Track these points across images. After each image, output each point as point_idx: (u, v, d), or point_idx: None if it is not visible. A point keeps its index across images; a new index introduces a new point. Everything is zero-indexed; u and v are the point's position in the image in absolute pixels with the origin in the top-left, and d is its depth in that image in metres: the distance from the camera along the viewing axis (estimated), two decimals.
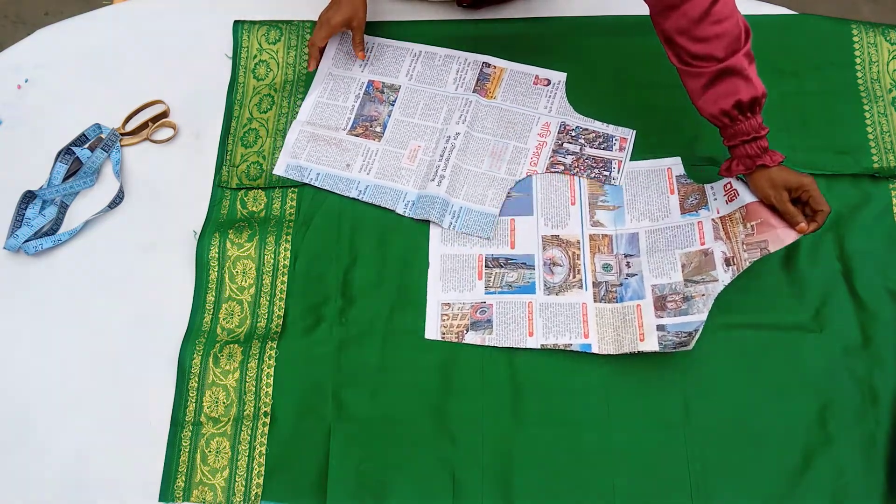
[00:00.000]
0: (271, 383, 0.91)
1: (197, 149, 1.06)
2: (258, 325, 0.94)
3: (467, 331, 0.92)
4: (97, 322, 0.95)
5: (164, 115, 1.07)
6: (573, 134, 1.02)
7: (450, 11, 1.12)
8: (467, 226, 0.97)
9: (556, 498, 0.85)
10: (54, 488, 0.88)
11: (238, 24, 1.12)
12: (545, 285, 0.93)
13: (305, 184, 1.01)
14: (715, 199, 0.94)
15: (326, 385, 0.91)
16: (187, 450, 0.89)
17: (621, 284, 0.93)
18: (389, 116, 1.05)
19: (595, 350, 0.90)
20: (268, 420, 0.89)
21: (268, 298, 0.96)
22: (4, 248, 0.98)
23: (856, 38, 1.06)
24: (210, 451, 0.88)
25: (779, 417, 0.87)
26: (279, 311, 0.95)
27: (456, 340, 0.91)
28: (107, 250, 1.00)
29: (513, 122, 1.04)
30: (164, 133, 1.07)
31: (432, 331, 0.92)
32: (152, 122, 1.07)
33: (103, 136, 1.05)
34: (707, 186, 0.95)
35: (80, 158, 1.04)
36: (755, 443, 0.86)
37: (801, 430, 0.87)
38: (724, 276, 0.88)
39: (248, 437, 0.89)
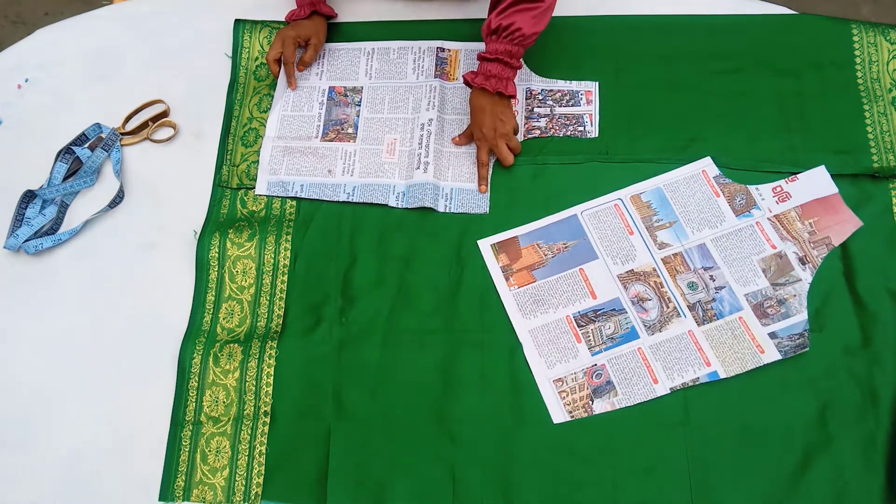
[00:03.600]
0: (271, 383, 0.91)
1: (197, 149, 1.06)
2: (258, 324, 0.94)
3: (592, 401, 0.89)
4: (97, 322, 0.95)
5: (164, 114, 1.07)
6: (540, 97, 1.04)
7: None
8: (462, 205, 0.98)
9: (556, 498, 0.85)
10: (54, 488, 0.88)
11: (238, 24, 1.12)
12: (645, 325, 0.91)
13: (292, 197, 1.01)
14: (763, 199, 0.95)
15: (326, 385, 0.91)
16: (187, 449, 0.89)
17: (714, 300, 0.91)
18: (359, 117, 1.05)
19: (723, 376, 0.88)
20: (268, 420, 0.89)
21: (268, 298, 0.96)
22: (4, 247, 0.98)
23: (856, 38, 1.06)
24: (210, 451, 0.88)
25: (779, 417, 0.87)
26: (279, 310, 0.95)
27: (587, 414, 0.88)
28: (107, 250, 1.00)
29: None
30: (164, 133, 1.07)
31: (557, 413, 0.88)
32: (152, 122, 1.07)
33: (103, 135, 1.05)
34: (751, 188, 0.96)
35: (80, 158, 1.04)
36: (755, 443, 0.86)
37: (801, 430, 0.87)
38: (805, 275, 0.90)
39: (248, 437, 0.89)
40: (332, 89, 1.07)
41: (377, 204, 0.99)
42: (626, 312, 0.92)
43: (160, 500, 0.87)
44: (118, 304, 0.96)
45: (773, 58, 1.05)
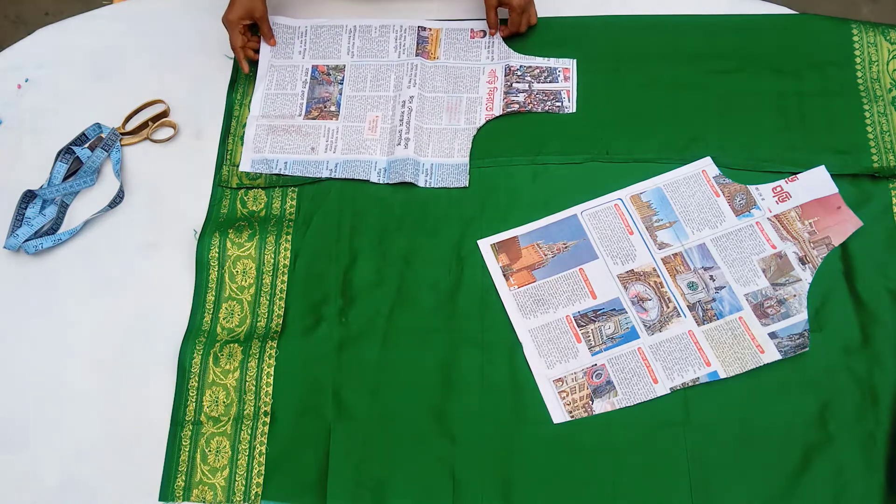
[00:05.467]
0: (271, 383, 0.91)
1: (197, 149, 1.06)
2: (258, 324, 0.94)
3: (592, 401, 0.89)
4: (97, 321, 0.95)
5: (164, 114, 1.07)
6: (519, 73, 1.05)
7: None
8: (442, 179, 1.00)
9: (556, 498, 0.85)
10: (54, 488, 0.88)
11: None
12: (644, 325, 0.91)
13: (276, 174, 1.02)
14: (763, 199, 0.95)
15: (326, 384, 0.91)
16: (187, 449, 0.89)
17: (714, 300, 0.91)
18: (341, 94, 1.06)
19: (723, 376, 0.88)
20: (268, 419, 0.89)
21: (268, 298, 0.96)
22: (4, 247, 0.98)
23: (856, 38, 1.06)
24: (210, 451, 0.88)
25: (779, 417, 0.87)
26: (279, 310, 0.95)
27: (587, 414, 0.88)
28: (107, 250, 1.00)
29: (460, 77, 1.06)
30: (164, 133, 1.07)
31: (558, 413, 0.88)
32: (152, 122, 1.07)
33: (103, 135, 1.05)
34: (751, 188, 0.96)
35: (80, 158, 1.04)
36: (755, 443, 0.86)
37: (801, 429, 0.87)
38: (805, 275, 0.91)
39: (248, 437, 0.89)
40: (315, 68, 1.08)
41: (359, 180, 1.01)
42: (626, 312, 0.92)
43: (160, 500, 0.87)
44: (118, 303, 0.96)
45: (773, 58, 1.05)
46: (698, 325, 0.91)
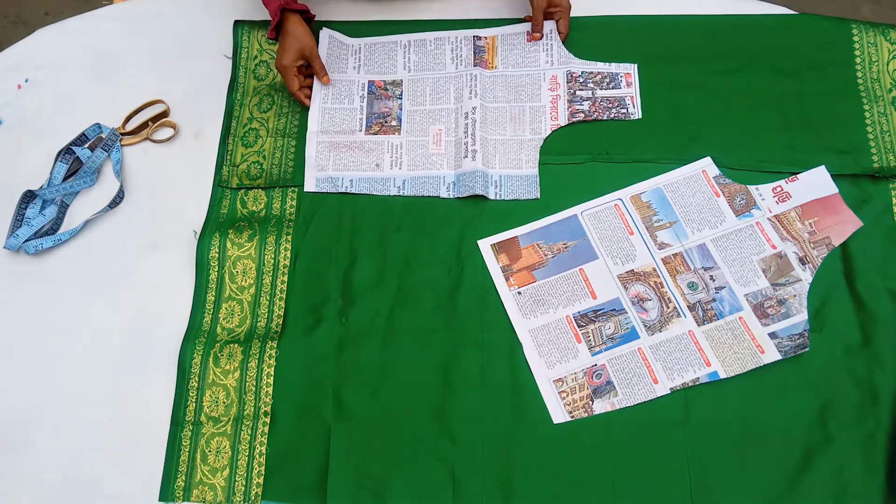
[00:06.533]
0: (271, 383, 0.91)
1: (197, 149, 1.06)
2: (258, 324, 0.94)
3: (592, 401, 0.89)
4: (97, 322, 0.95)
5: (164, 114, 1.07)
6: (581, 80, 1.03)
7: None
8: (512, 191, 0.98)
9: (556, 498, 0.85)
10: (54, 488, 0.88)
11: (238, 25, 1.12)
12: (645, 325, 0.91)
13: (342, 192, 1.00)
14: (763, 200, 0.95)
15: (326, 384, 0.91)
16: (187, 449, 0.89)
17: (714, 300, 0.92)
18: (401, 109, 1.04)
19: (723, 376, 0.88)
20: (268, 420, 0.89)
21: (268, 298, 0.96)
22: (4, 247, 0.98)
23: (856, 38, 1.06)
24: (210, 451, 0.88)
25: (779, 417, 0.87)
26: (279, 310, 0.95)
27: (587, 414, 0.88)
28: (107, 250, 1.00)
29: (521, 86, 1.04)
30: (164, 133, 1.07)
31: (558, 413, 0.88)
32: (152, 122, 1.07)
33: (103, 135, 1.05)
34: (751, 188, 0.96)
35: (80, 158, 1.04)
36: (755, 443, 0.86)
37: (801, 429, 0.87)
38: (805, 275, 0.91)
39: (249, 437, 0.89)
40: (371, 83, 1.06)
41: (429, 196, 0.99)
42: (626, 312, 0.92)
43: (160, 500, 0.87)
44: (118, 304, 0.96)
45: (773, 58, 1.05)
46: (698, 325, 0.91)
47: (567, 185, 0.99)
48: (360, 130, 1.03)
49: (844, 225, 0.94)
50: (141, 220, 1.01)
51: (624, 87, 1.02)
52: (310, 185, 1.01)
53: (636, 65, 1.04)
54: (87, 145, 1.05)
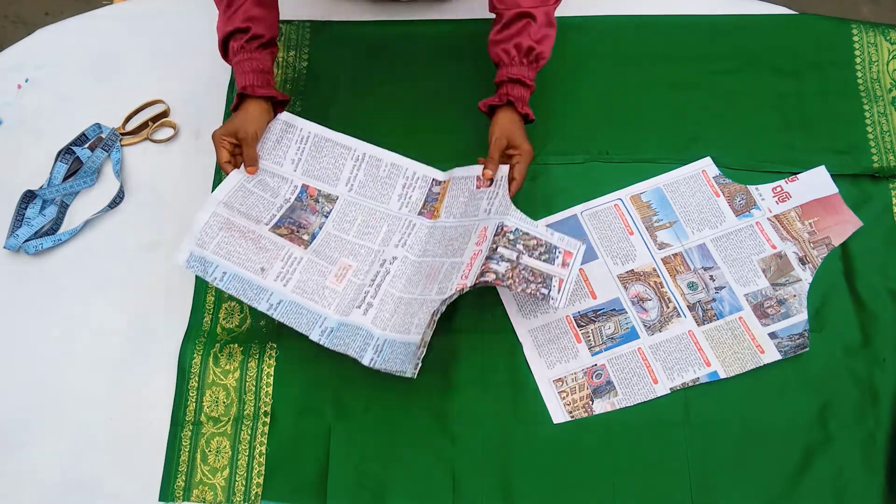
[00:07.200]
0: (271, 383, 0.91)
1: (197, 149, 1.05)
2: (258, 324, 0.94)
3: (592, 401, 0.88)
4: (97, 321, 0.95)
5: (164, 114, 1.07)
6: (511, 237, 0.84)
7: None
8: (388, 360, 0.83)
9: (556, 498, 0.85)
10: (54, 488, 0.88)
11: None
12: (645, 325, 0.91)
13: (206, 281, 0.86)
14: (763, 200, 0.95)
15: (326, 385, 0.91)
16: (187, 449, 0.89)
17: (714, 300, 0.91)
18: (321, 228, 0.93)
19: (723, 376, 0.88)
20: (268, 420, 0.89)
21: None
22: (4, 247, 0.98)
23: (856, 38, 1.06)
24: (210, 451, 0.88)
25: (779, 417, 0.87)
26: None
27: (587, 414, 0.88)
28: (107, 250, 1.00)
29: (453, 238, 0.90)
30: (164, 133, 1.07)
31: (557, 413, 0.88)
32: (152, 122, 1.07)
33: (103, 135, 1.05)
34: (751, 188, 0.96)
35: (80, 158, 1.04)
36: (755, 443, 0.86)
37: (801, 429, 0.87)
38: (805, 275, 0.91)
39: (249, 437, 0.89)
40: (304, 189, 0.94)
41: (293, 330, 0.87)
42: (626, 312, 0.92)
43: (160, 500, 0.87)
44: (118, 304, 0.96)
45: (773, 58, 1.05)
46: (698, 325, 0.91)
47: (567, 185, 0.99)
48: (267, 224, 0.91)
49: (844, 225, 0.94)
50: (141, 220, 1.01)
51: (557, 266, 0.84)
52: (181, 257, 0.85)
53: (583, 245, 0.86)
54: (87, 145, 1.05)
